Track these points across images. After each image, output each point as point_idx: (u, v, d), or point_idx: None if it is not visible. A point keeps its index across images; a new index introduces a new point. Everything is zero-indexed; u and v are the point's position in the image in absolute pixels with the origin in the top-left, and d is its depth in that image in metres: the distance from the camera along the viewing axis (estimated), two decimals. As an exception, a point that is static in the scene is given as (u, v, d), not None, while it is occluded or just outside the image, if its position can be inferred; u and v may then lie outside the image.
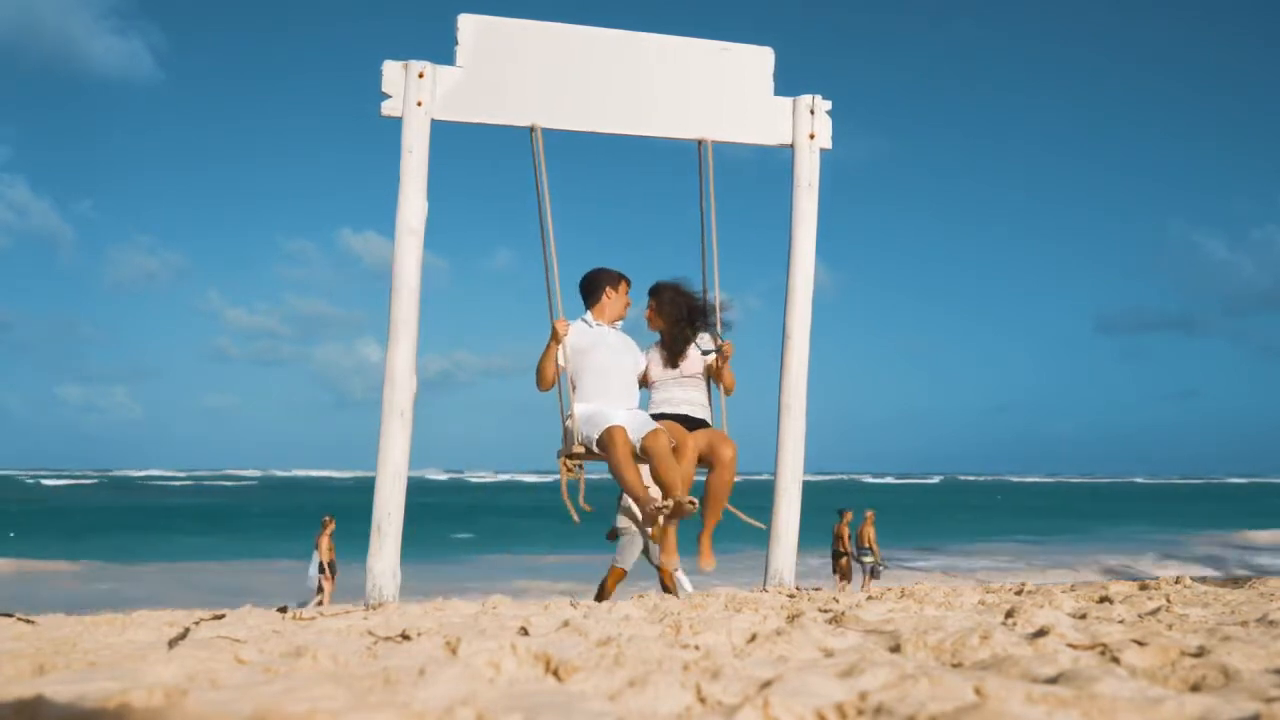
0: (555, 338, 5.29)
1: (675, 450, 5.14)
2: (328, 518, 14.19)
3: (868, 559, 15.73)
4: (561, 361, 5.37)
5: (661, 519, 5.07)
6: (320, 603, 12.93)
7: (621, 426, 5.10)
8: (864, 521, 16.03)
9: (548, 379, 5.35)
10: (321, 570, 13.74)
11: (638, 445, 5.14)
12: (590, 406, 5.33)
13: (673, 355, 5.56)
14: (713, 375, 5.63)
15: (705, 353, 5.58)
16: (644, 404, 5.64)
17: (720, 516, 5.40)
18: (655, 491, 5.21)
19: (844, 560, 15.89)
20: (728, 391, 5.62)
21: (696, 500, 5.08)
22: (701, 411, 5.59)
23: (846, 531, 16.00)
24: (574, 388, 5.43)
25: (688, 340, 5.59)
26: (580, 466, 5.39)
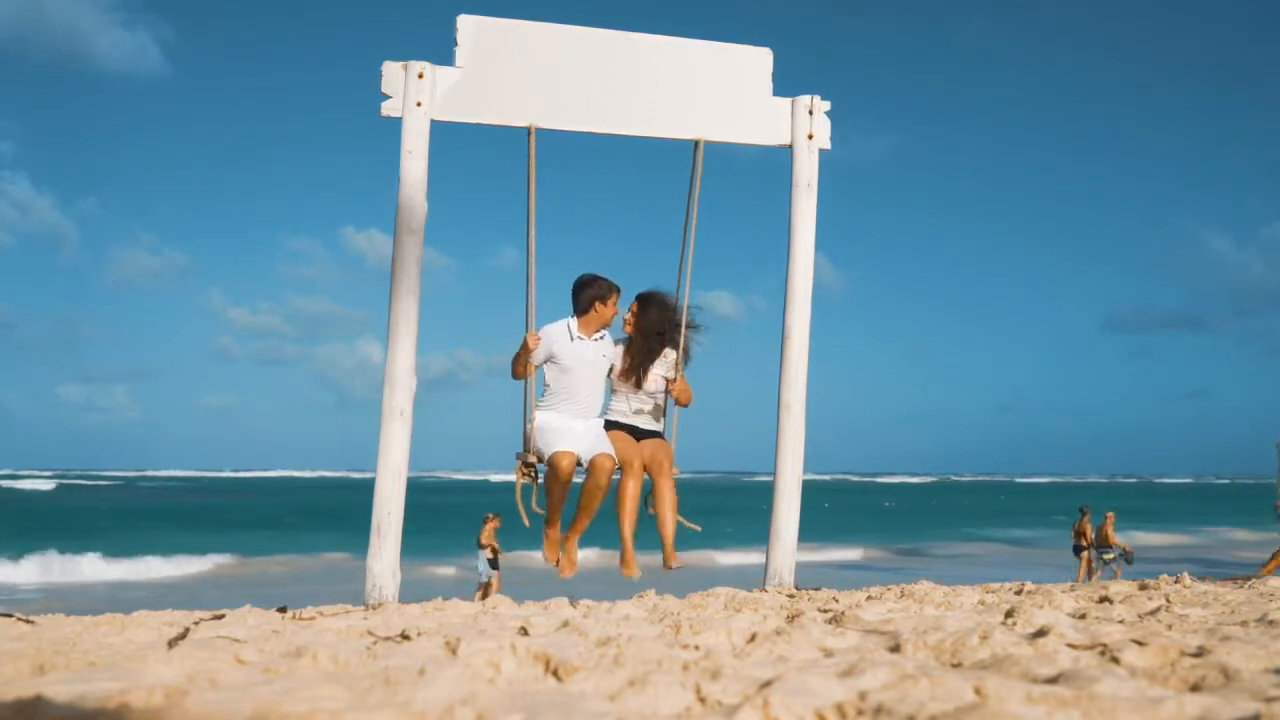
0: (525, 349, 5.47)
1: (623, 467, 5.53)
2: (489, 515, 14.81)
3: (1108, 556, 17.26)
4: (534, 360, 5.56)
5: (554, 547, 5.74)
6: (484, 595, 13.56)
7: (569, 453, 5.33)
8: (1104, 521, 17.45)
9: (517, 376, 5.59)
10: (493, 565, 14.57)
11: (585, 460, 5.40)
12: (550, 417, 5.56)
13: (638, 372, 5.76)
14: (670, 392, 5.77)
15: (667, 380, 5.76)
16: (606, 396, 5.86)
17: (675, 519, 5.66)
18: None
19: (1085, 554, 17.45)
20: (682, 405, 5.82)
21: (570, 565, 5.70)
22: (652, 424, 5.83)
23: (1088, 528, 17.54)
24: (541, 391, 5.64)
25: (653, 356, 5.76)
26: (534, 471, 5.60)
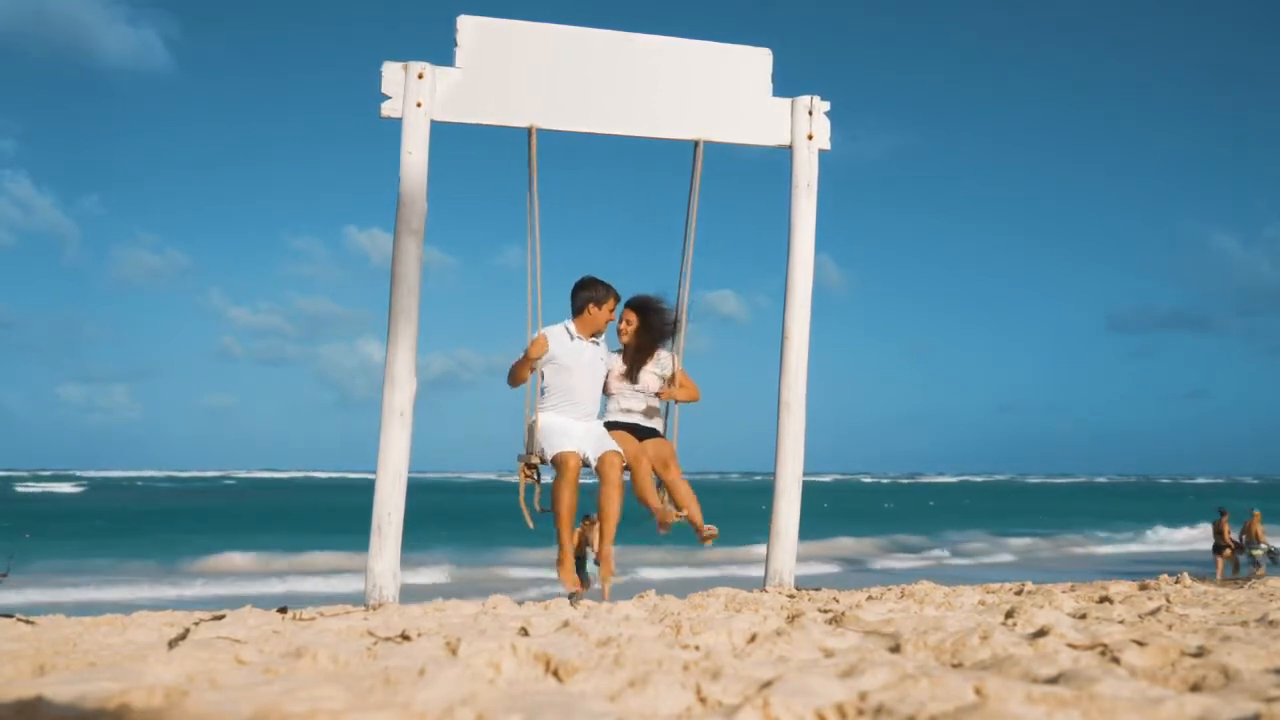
0: (529, 356, 5.45)
1: (630, 465, 5.49)
2: (589, 514, 14.76)
3: (1258, 552, 17.95)
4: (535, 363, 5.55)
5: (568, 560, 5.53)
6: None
7: (574, 453, 5.31)
8: (1251, 519, 18.19)
9: (518, 381, 5.57)
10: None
11: (592, 459, 5.39)
12: (551, 418, 5.53)
13: (633, 373, 5.77)
14: (661, 396, 5.78)
15: (662, 382, 5.79)
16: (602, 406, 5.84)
17: (696, 504, 5.66)
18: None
19: (1227, 552, 18.18)
20: (690, 400, 5.80)
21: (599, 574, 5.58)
22: (651, 421, 5.82)
23: (1227, 528, 18.24)
24: (541, 392, 5.62)
25: (648, 354, 5.76)
26: (537, 472, 5.58)
